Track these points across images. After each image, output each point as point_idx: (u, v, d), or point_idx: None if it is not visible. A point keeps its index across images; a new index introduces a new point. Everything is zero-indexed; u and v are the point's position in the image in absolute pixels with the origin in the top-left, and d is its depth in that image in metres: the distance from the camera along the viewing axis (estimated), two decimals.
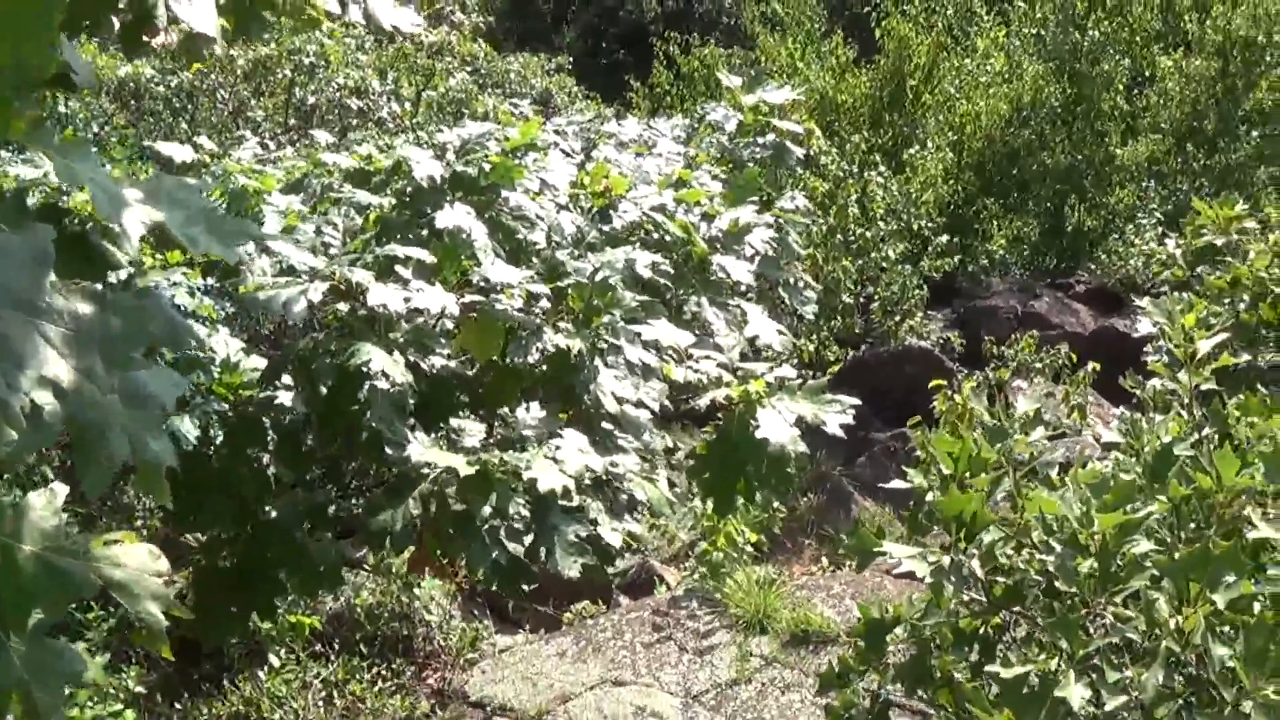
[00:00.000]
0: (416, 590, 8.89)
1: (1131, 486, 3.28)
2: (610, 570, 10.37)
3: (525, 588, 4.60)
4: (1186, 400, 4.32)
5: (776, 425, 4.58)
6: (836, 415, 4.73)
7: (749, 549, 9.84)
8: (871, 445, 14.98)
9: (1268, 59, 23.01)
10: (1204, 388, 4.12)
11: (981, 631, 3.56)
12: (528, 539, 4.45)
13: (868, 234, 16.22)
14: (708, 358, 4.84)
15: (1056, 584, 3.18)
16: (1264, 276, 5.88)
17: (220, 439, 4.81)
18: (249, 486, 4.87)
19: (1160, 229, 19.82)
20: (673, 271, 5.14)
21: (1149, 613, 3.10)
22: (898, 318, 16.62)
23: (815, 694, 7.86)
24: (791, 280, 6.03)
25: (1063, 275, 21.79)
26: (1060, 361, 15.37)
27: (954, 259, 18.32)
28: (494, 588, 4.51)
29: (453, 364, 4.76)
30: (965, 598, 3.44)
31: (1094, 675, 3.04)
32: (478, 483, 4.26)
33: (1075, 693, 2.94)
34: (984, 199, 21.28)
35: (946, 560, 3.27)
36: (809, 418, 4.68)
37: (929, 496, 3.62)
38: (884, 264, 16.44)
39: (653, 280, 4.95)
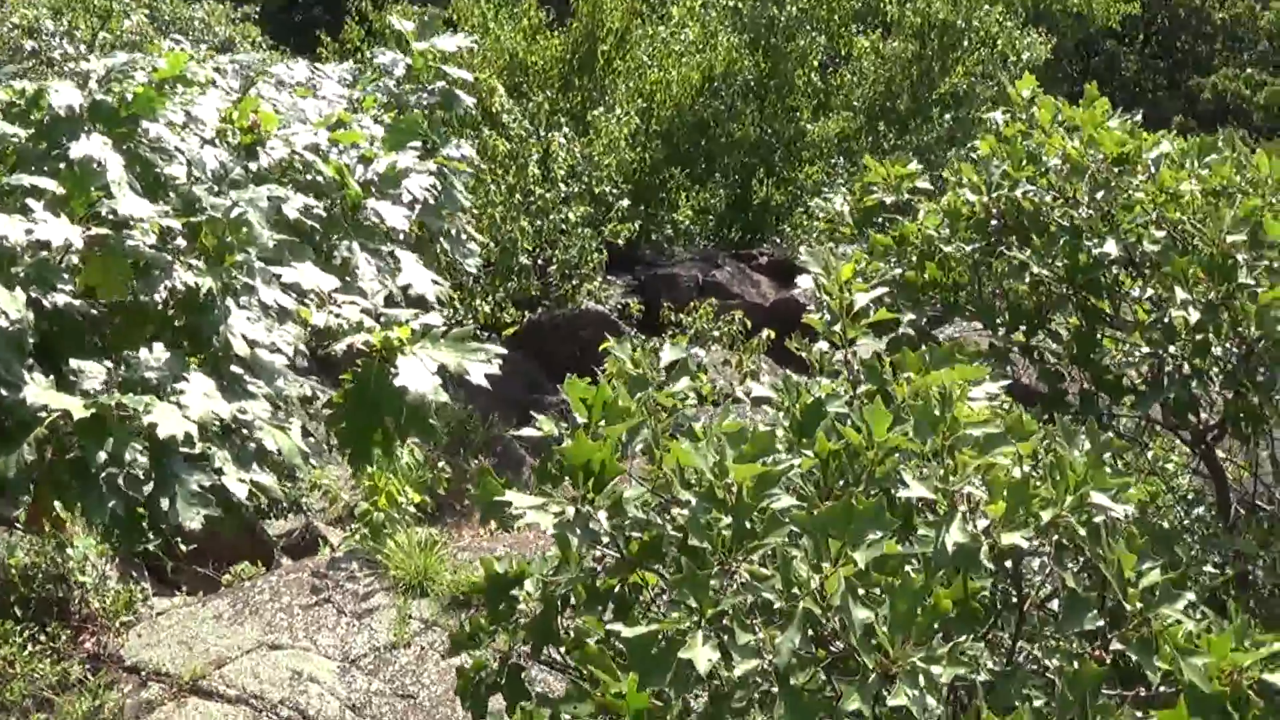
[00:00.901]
0: (70, 550, 8.35)
1: (771, 438, 3.16)
2: (273, 532, 10.05)
3: (156, 544, 4.26)
4: (843, 356, 4.26)
5: (417, 373, 4.38)
6: (481, 364, 4.57)
7: (411, 510, 9.55)
8: (545, 409, 14.83)
9: (965, 44, 23.78)
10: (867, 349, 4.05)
11: (618, 590, 3.40)
12: (148, 489, 4.10)
13: (548, 195, 16.01)
14: (352, 303, 4.58)
15: (691, 540, 3.02)
16: (933, 235, 5.81)
17: None
18: None
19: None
20: (325, 215, 4.87)
21: (786, 571, 2.97)
22: (575, 281, 16.53)
23: (445, 656, 7.71)
24: (454, 231, 5.80)
25: (747, 247, 22.09)
26: (736, 329, 15.56)
27: (636, 226, 18.29)
28: (114, 541, 4.16)
29: (78, 302, 4.38)
30: (598, 553, 3.27)
31: (725, 637, 2.89)
32: (94, 427, 3.93)
33: (702, 654, 2.79)
34: (670, 168, 21.32)
35: (571, 512, 3.09)
36: (452, 366, 4.50)
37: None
38: (564, 226, 16.28)
39: (301, 222, 4.68)
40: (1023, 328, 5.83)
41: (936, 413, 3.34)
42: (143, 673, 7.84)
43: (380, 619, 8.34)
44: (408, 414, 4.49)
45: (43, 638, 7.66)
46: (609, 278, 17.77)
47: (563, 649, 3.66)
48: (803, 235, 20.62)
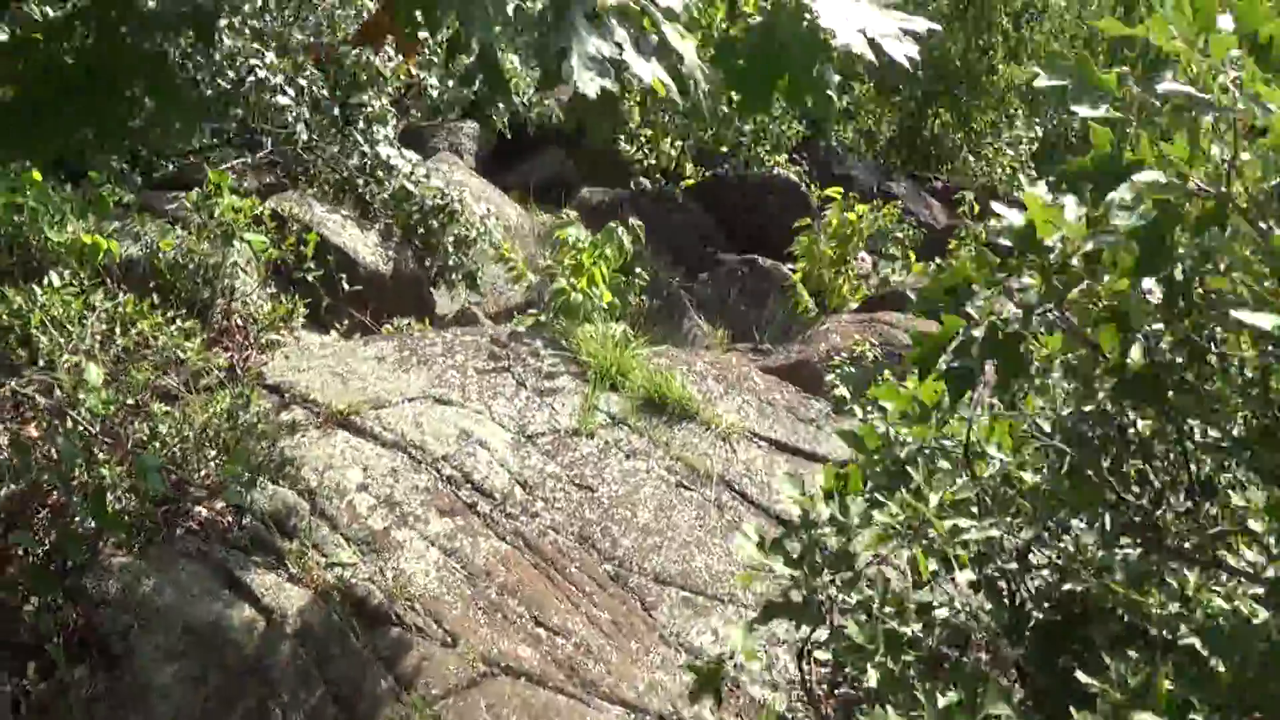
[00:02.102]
0: (235, 246, 7.37)
1: None
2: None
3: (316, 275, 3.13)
4: None
5: (843, 17, 3.32)
6: (899, 42, 3.50)
7: (603, 307, 8.53)
8: (718, 265, 13.85)
9: None
10: None
11: None
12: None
13: None
14: None
15: None
16: None
17: None
18: None
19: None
20: None
21: None
22: (769, 145, 15.40)
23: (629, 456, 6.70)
24: None
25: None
26: (914, 237, 14.55)
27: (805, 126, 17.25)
28: (470, 90, 3.07)
29: None
30: None
31: None
32: None
33: None
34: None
35: None
36: (871, 31, 3.45)
37: None
38: None
39: None
40: None
41: None
42: (286, 394, 6.86)
43: (564, 402, 7.33)
44: (816, 72, 3.45)
45: (174, 333, 6.65)
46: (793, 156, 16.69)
47: None
48: (985, 169, 19.61)
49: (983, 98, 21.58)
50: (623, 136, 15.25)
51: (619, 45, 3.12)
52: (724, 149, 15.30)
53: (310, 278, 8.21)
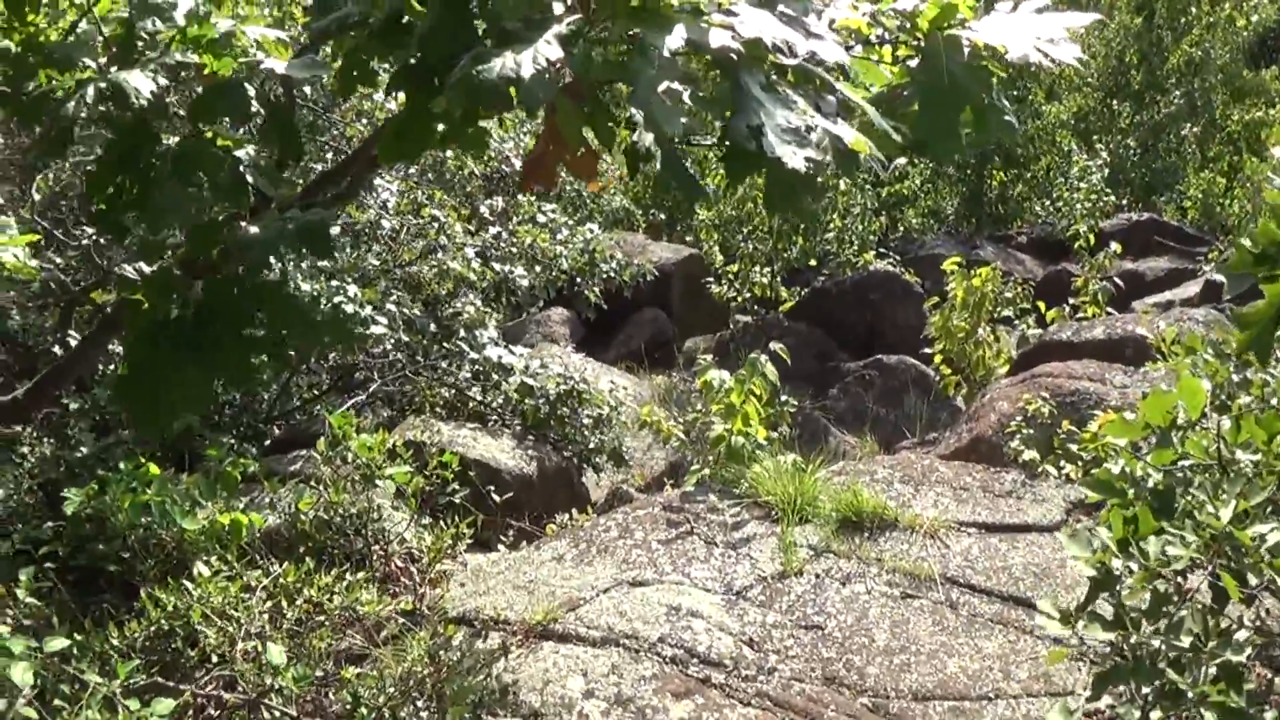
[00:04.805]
0: (379, 487, 7.11)
1: None
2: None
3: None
4: None
5: (1006, 33, 3.06)
6: (1067, 42, 3.26)
7: (762, 443, 8.22)
8: (840, 376, 13.55)
9: (1193, 10, 22.51)
10: None
11: None
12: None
13: None
14: None
15: None
16: None
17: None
18: (217, 178, 3.27)
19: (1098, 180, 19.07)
20: None
21: None
22: (855, 246, 15.16)
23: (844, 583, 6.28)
24: None
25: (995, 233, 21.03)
26: (1021, 294, 14.19)
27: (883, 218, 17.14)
28: (671, 188, 2.80)
29: None
30: None
31: None
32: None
33: None
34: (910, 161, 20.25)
35: None
36: (1037, 39, 3.20)
37: None
38: (840, 188, 15.04)
39: None
40: None
41: None
42: (475, 623, 6.52)
43: (760, 548, 6.96)
44: (991, 98, 3.18)
45: (345, 591, 6.34)
46: (879, 250, 16.48)
47: None
48: (1063, 209, 19.33)
49: (1033, 144, 21.46)
50: (711, 279, 15.12)
51: (805, 112, 2.85)
52: (812, 262, 15.08)
53: (458, 499, 7.93)
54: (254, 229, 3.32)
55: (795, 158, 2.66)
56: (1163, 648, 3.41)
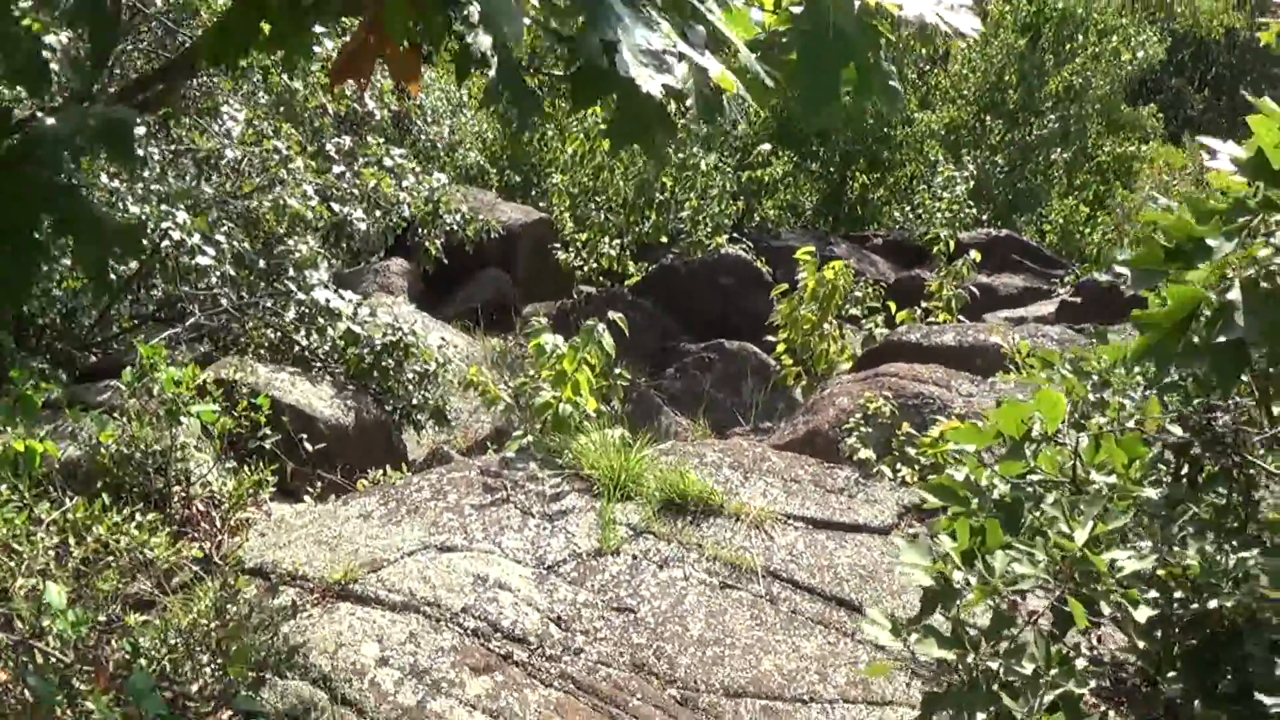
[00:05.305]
0: (183, 423, 6.63)
1: None
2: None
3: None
4: None
5: None
6: (965, 12, 3.00)
7: (590, 415, 7.89)
8: (680, 357, 13.29)
9: (1080, 37, 22.76)
10: None
11: None
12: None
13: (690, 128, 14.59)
14: None
15: None
16: None
17: None
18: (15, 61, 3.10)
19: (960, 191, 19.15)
20: None
21: None
22: (710, 228, 14.88)
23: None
24: None
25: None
26: (872, 295, 14.07)
27: (741, 203, 16.93)
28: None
29: None
30: None
31: None
32: None
33: None
34: (777, 151, 20.06)
35: None
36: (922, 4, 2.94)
37: None
38: (703, 168, 14.75)
39: None
40: None
41: None
42: (271, 576, 6.09)
43: (577, 523, 6.65)
44: (876, 59, 2.90)
45: (135, 532, 5.87)
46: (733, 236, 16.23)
47: None
48: (924, 217, 19.33)
49: (900, 151, 21.50)
50: (558, 245, 14.76)
51: (668, 36, 2.51)
52: (663, 239, 14.78)
53: (268, 444, 7.48)
54: (51, 121, 2.97)
55: (652, 82, 2.34)
56: (1000, 671, 3.14)
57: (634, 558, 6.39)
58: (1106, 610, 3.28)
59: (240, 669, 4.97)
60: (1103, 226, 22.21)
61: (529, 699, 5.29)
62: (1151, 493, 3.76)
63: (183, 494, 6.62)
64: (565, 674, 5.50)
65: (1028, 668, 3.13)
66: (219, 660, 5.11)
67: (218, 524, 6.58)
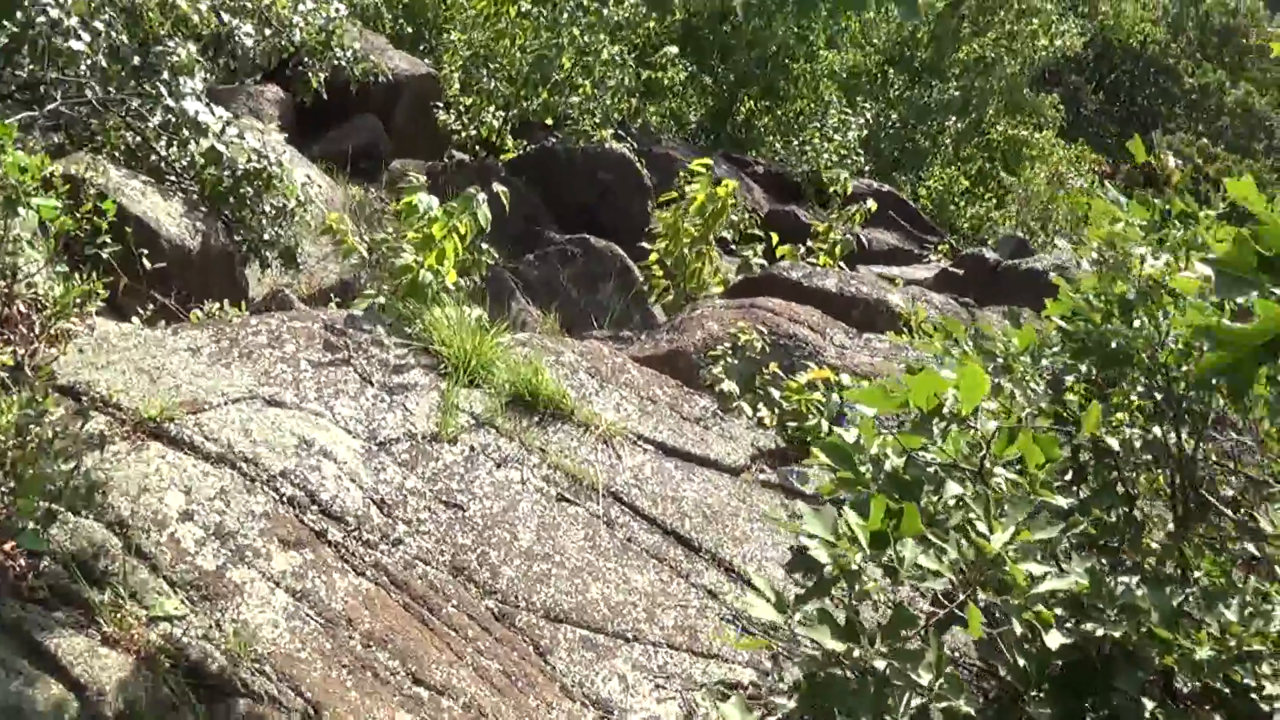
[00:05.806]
0: (20, 215, 5.99)
1: None
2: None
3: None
4: None
5: None
6: None
7: (449, 288, 7.39)
8: (542, 244, 12.82)
9: (1003, 12, 22.65)
10: None
11: None
12: None
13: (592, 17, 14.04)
14: None
15: None
16: None
17: None
18: None
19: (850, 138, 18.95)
20: None
21: None
22: (598, 118, 14.36)
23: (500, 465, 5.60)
24: None
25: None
26: (746, 222, 13.74)
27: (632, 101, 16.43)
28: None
29: None
30: None
31: None
32: None
33: None
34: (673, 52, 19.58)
35: None
36: None
37: None
38: (604, 56, 14.21)
39: None
40: None
41: None
42: (83, 398, 5.54)
43: (418, 401, 6.22)
44: None
45: None
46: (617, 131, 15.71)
47: None
48: (809, 155, 19.02)
49: (796, 84, 21.18)
50: (440, 105, 14.12)
51: None
52: (549, 121, 14.23)
53: (106, 254, 6.87)
54: None
55: None
56: (888, 673, 2.81)
57: (472, 450, 6.00)
58: (1019, 629, 2.98)
59: (31, 501, 4.44)
60: (985, 204, 22.21)
61: (337, 585, 4.89)
62: (1061, 500, 3.47)
63: (6, 290, 6.00)
64: (380, 564, 5.10)
65: (924, 677, 2.82)
66: (10, 484, 4.57)
67: (36, 329, 5.98)
